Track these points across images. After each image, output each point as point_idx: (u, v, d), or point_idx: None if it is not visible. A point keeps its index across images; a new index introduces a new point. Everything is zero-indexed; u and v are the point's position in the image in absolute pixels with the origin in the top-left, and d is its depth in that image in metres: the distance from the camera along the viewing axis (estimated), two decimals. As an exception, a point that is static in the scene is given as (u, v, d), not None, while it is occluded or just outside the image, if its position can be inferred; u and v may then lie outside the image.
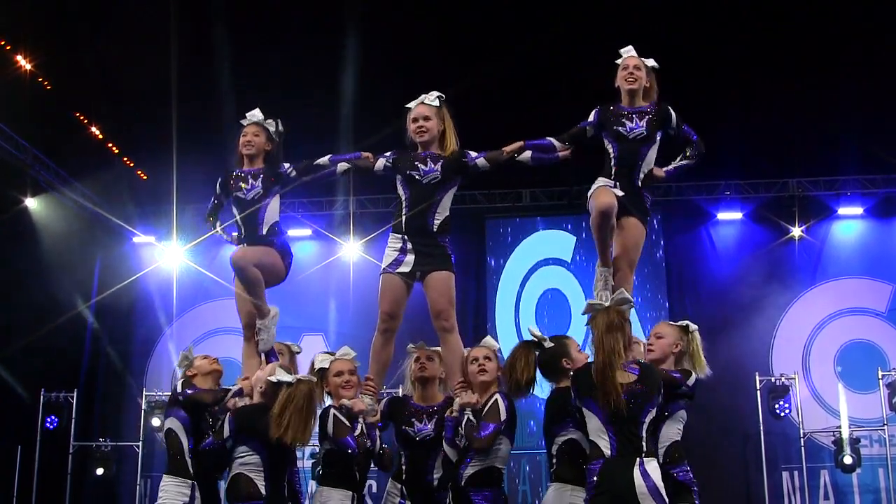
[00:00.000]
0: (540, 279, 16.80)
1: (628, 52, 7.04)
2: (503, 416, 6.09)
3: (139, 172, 16.78)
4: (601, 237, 6.66)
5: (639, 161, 6.85)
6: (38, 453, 15.75)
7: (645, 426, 5.54)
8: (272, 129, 7.40)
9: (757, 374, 15.44)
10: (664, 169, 7.12)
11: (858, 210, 16.60)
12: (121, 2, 12.70)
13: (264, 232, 7.25)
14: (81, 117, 15.16)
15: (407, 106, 6.97)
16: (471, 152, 6.89)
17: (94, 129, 15.36)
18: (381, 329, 6.81)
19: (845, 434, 14.99)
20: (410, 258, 6.74)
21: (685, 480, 6.04)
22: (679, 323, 6.57)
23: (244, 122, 7.41)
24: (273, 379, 6.36)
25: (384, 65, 12.85)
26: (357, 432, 6.46)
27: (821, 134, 14.64)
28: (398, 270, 6.74)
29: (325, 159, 7.21)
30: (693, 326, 6.49)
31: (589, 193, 6.77)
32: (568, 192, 16.75)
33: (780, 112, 14.30)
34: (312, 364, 6.92)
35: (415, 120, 6.88)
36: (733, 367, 15.20)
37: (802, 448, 15.47)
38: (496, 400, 6.14)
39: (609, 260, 6.79)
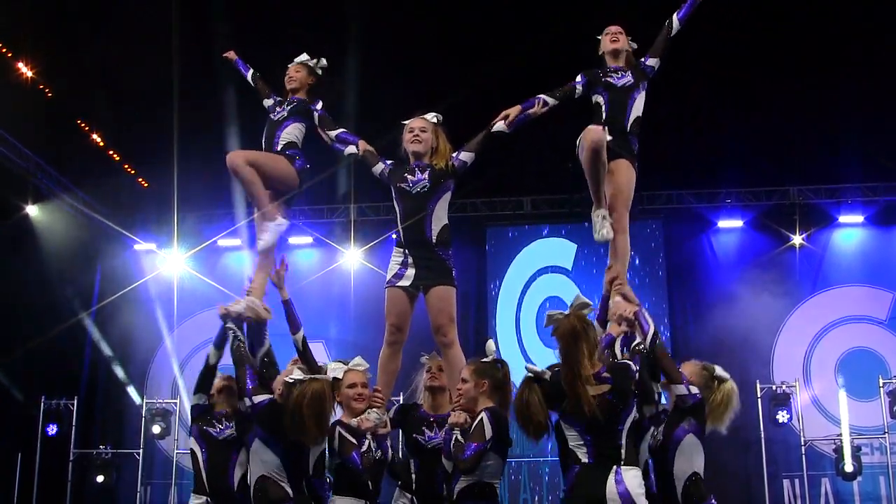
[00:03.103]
0: (541, 287, 16.78)
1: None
2: (488, 436, 5.98)
3: (140, 180, 16.82)
4: (594, 174, 6.65)
5: (628, 107, 7.03)
6: (39, 460, 15.72)
7: (624, 433, 5.54)
8: (312, 64, 7.72)
9: (758, 381, 15.41)
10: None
11: (859, 218, 16.59)
12: (122, 10, 12.71)
13: (279, 148, 7.48)
14: (83, 125, 15.19)
15: (403, 122, 7.04)
16: (453, 154, 6.93)
17: (95, 136, 15.39)
18: (388, 342, 6.85)
19: (846, 442, 14.97)
20: (411, 272, 6.76)
21: None
22: (706, 364, 6.51)
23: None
24: (288, 379, 6.37)
25: (385, 66, 12.86)
26: (364, 448, 6.46)
27: (822, 142, 14.66)
28: (399, 284, 6.78)
29: (334, 133, 7.35)
30: (723, 376, 6.42)
31: (579, 139, 6.77)
32: (569, 199, 16.76)
33: (780, 120, 14.32)
34: (325, 372, 6.92)
35: (411, 130, 6.94)
36: (734, 375, 15.02)
37: (803, 456, 15.43)
38: (482, 419, 6.04)
39: (603, 201, 6.79)
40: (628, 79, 7.10)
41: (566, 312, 5.80)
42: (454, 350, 6.71)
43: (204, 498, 7.34)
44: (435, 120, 6.99)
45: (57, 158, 15.72)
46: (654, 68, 7.22)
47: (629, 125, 7.01)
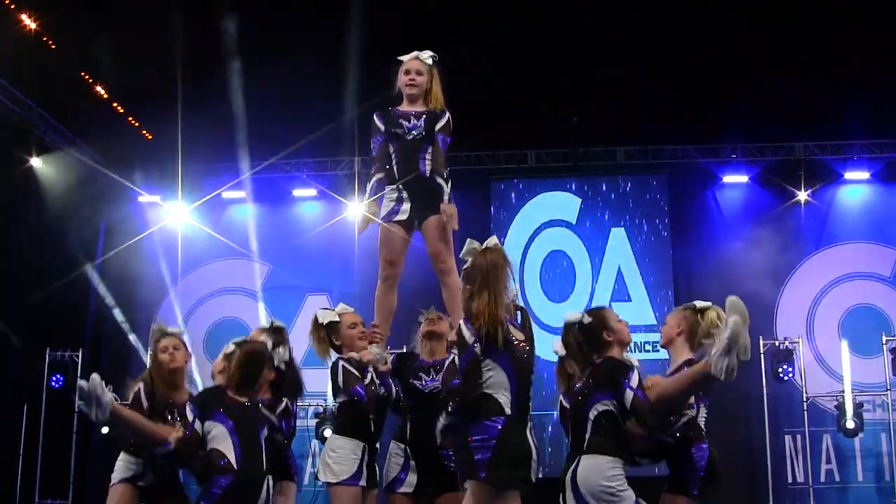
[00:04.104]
0: (545, 241, 16.76)
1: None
2: None
3: (144, 132, 16.76)
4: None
5: None
6: (44, 412, 15.81)
7: (530, 390, 5.64)
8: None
9: (761, 337, 15.38)
10: None
11: (865, 174, 16.54)
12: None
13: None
14: (87, 77, 15.13)
15: (399, 58, 7.07)
16: (442, 131, 6.85)
17: (99, 88, 15.33)
18: (382, 277, 6.95)
19: (848, 398, 15.02)
20: (406, 206, 6.84)
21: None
22: (686, 305, 6.54)
23: None
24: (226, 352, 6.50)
25: (389, 28, 12.80)
26: (367, 381, 6.57)
27: (828, 98, 14.56)
28: (396, 219, 6.85)
29: None
30: (704, 305, 6.39)
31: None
32: (573, 153, 16.71)
33: (787, 75, 14.22)
34: (316, 319, 6.91)
35: (407, 72, 7.01)
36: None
37: (805, 412, 15.49)
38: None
39: None
40: None
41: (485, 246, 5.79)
42: (454, 277, 6.72)
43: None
44: (430, 61, 7.01)
45: (61, 111, 15.69)
46: None
47: None
